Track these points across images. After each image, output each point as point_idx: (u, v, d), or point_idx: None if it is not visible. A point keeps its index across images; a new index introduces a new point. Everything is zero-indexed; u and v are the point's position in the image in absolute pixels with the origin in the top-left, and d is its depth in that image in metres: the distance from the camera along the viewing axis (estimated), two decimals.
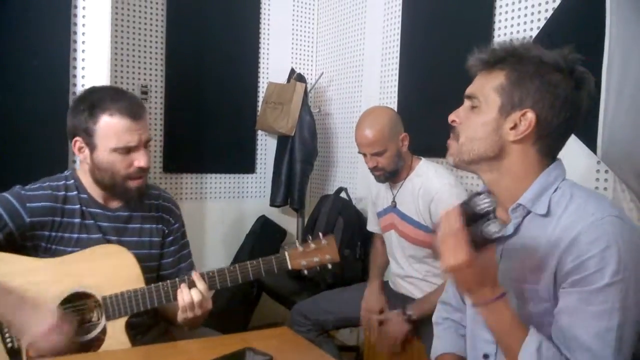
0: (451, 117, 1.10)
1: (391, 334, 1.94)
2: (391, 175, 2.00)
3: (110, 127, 1.37)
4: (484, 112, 1.05)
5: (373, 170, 2.00)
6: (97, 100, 1.40)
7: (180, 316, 1.38)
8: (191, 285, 1.37)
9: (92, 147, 1.40)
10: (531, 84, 1.01)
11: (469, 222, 0.94)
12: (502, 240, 1.07)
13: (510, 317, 0.97)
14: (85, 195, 1.46)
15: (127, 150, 1.39)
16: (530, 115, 1.00)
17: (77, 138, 1.42)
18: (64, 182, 1.45)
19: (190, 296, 1.35)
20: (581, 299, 0.93)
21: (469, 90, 1.09)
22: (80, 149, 1.42)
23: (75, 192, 1.45)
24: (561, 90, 1.00)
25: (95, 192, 1.46)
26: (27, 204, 1.37)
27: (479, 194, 0.95)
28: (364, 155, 2.00)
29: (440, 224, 0.95)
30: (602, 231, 0.93)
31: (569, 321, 0.95)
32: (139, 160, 1.40)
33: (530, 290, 1.01)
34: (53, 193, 1.42)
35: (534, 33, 1.93)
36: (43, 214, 1.39)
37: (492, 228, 0.91)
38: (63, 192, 1.43)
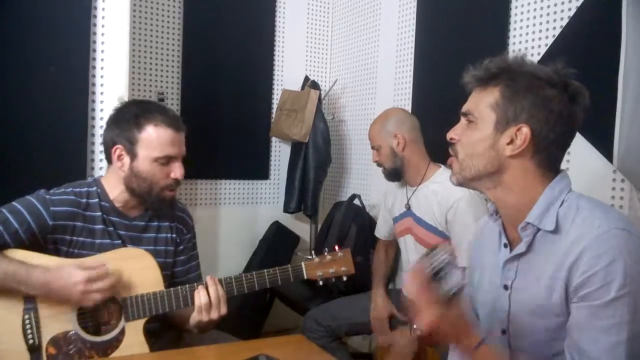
0: (449, 135, 1.12)
1: (400, 354, 1.93)
2: (391, 175, 2.10)
3: (154, 136, 1.43)
4: (480, 129, 1.06)
5: (377, 164, 2.13)
6: (143, 110, 1.46)
7: (194, 318, 1.40)
8: (208, 288, 1.40)
9: (132, 156, 1.45)
10: (525, 99, 1.01)
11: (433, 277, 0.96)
12: (517, 257, 1.07)
13: (495, 358, 0.99)
14: (106, 203, 1.49)
15: (167, 161, 1.45)
16: (526, 130, 1.01)
17: (118, 146, 1.46)
18: (87, 189, 1.49)
19: (207, 298, 1.38)
20: (589, 313, 0.93)
21: (464, 108, 1.10)
22: (119, 156, 1.46)
23: (96, 200, 1.48)
24: (555, 104, 1.01)
25: (118, 201, 1.49)
26: (51, 208, 1.41)
27: (431, 250, 0.97)
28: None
29: (409, 283, 0.97)
30: (607, 245, 0.93)
31: (578, 336, 0.95)
32: (176, 172, 1.46)
33: (544, 305, 1.01)
34: (76, 199, 1.45)
35: (550, 42, 1.93)
36: (65, 218, 1.43)
37: (448, 285, 0.94)
38: (85, 199, 1.47)
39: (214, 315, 1.39)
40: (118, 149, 1.46)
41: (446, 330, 0.97)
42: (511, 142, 1.02)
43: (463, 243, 1.84)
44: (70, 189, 1.48)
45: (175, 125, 1.46)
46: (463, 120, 1.10)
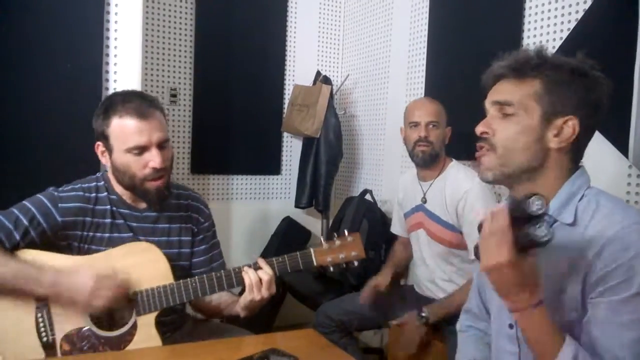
0: (480, 129, 1.05)
1: (407, 337, 1.93)
2: (431, 159, 2.00)
3: (120, 128, 1.41)
4: (521, 121, 1.02)
5: (421, 141, 1.98)
6: (110, 104, 1.44)
7: (246, 298, 1.41)
8: (257, 268, 1.41)
9: (110, 150, 1.45)
10: (569, 90, 1.00)
11: (515, 224, 0.90)
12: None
13: (547, 324, 0.94)
14: (114, 196, 1.50)
15: (140, 151, 1.41)
16: (574, 122, 1.00)
17: (99, 143, 1.47)
18: (95, 183, 1.50)
19: (257, 276, 1.39)
20: (609, 309, 0.92)
21: (500, 97, 1.04)
22: (102, 152, 1.48)
23: (105, 193, 1.49)
24: (594, 95, 1.01)
25: (124, 193, 1.50)
26: (60, 205, 1.42)
27: (530, 196, 0.91)
28: (415, 125, 2.00)
29: (485, 222, 0.93)
30: (629, 240, 0.91)
31: (597, 332, 0.94)
32: (153, 160, 1.41)
33: (559, 299, 1.00)
34: (85, 194, 1.47)
35: (565, 35, 1.90)
36: (74, 214, 1.44)
37: (541, 232, 0.88)
38: (94, 194, 1.48)
39: (265, 293, 1.39)
40: (99, 146, 1.47)
41: (513, 277, 0.91)
42: (557, 134, 1.01)
43: (473, 234, 1.83)
44: (79, 185, 1.49)
45: (139, 114, 1.39)
46: (494, 112, 1.05)
